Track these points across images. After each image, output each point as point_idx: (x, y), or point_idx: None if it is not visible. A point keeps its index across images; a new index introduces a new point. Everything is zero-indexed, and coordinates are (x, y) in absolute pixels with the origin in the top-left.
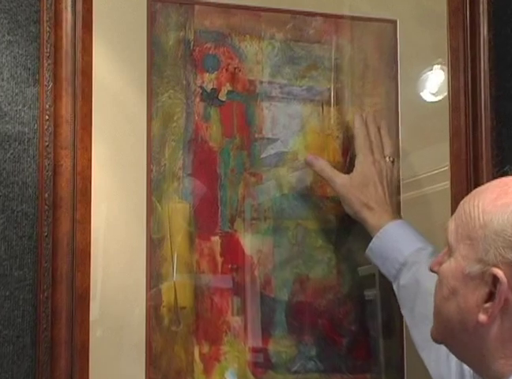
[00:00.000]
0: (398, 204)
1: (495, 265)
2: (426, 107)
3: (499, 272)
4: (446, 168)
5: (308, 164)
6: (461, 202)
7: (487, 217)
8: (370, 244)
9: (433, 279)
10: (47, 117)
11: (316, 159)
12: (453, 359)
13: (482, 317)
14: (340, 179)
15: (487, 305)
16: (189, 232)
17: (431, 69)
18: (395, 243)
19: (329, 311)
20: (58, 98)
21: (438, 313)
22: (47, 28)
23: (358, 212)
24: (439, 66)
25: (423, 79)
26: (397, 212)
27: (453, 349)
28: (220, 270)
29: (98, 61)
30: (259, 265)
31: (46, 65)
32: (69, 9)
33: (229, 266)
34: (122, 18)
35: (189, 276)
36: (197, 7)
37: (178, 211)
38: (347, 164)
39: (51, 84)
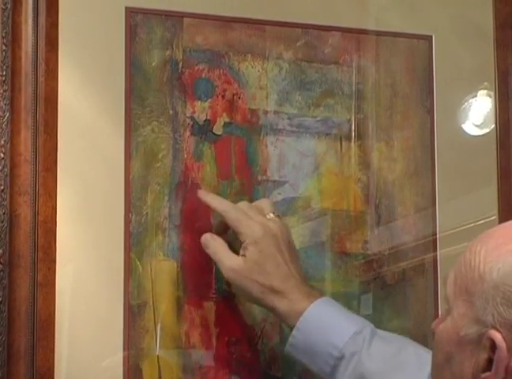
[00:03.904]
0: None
1: (494, 327)
2: (468, 143)
3: (497, 336)
4: (494, 218)
5: (202, 243)
6: (466, 248)
7: (487, 267)
8: (291, 338)
9: (381, 370)
10: (1, 155)
11: (213, 239)
12: None
13: None
14: (229, 261)
15: (486, 375)
16: (176, 297)
17: (475, 96)
18: (323, 334)
19: None
20: (16, 132)
21: None
22: (3, 47)
23: (261, 299)
24: (485, 92)
25: (464, 108)
26: (308, 285)
27: None
28: (214, 344)
29: (65, 86)
30: (263, 338)
31: (1, 91)
32: (30, 22)
33: (226, 339)
34: (95, 34)
35: (176, 352)
36: (186, 20)
37: (162, 271)
38: (372, 214)
39: (7, 115)
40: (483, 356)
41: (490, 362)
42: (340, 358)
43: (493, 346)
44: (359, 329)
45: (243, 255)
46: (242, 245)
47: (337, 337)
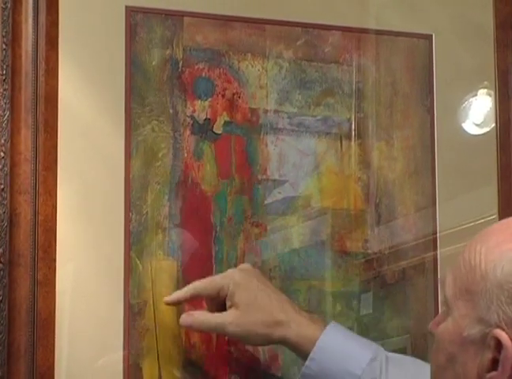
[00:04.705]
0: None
1: (498, 326)
2: (468, 142)
3: (503, 335)
4: (494, 217)
5: (185, 327)
6: (463, 248)
7: (490, 265)
8: (305, 369)
9: None
10: (1, 154)
11: (189, 315)
12: None
13: None
14: (221, 319)
15: (491, 374)
16: None
17: (475, 95)
18: (339, 363)
19: None
20: (16, 131)
21: None
22: (3, 45)
23: (270, 335)
24: (485, 92)
25: (464, 107)
26: (306, 313)
27: None
28: (214, 343)
29: (65, 85)
30: None
31: (1, 90)
32: (30, 21)
33: (226, 338)
34: (95, 33)
35: (176, 352)
36: (186, 19)
37: (163, 270)
38: (372, 213)
39: (8, 114)
40: (488, 356)
41: (495, 362)
42: None
43: (498, 345)
44: (374, 355)
45: (231, 305)
46: (227, 297)
47: (354, 365)
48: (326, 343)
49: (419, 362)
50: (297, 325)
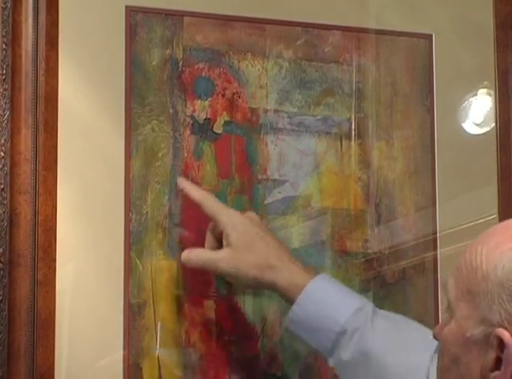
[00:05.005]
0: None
1: (501, 325)
2: (468, 142)
3: (505, 334)
4: (494, 216)
5: (184, 261)
6: (464, 250)
7: (491, 266)
8: (290, 314)
9: (385, 347)
10: (2, 154)
11: (190, 251)
12: None
13: None
14: (214, 256)
15: (495, 374)
16: (176, 296)
17: (475, 95)
18: (324, 309)
19: None
20: (16, 130)
21: None
22: (3, 45)
23: (258, 277)
24: (485, 91)
25: (464, 107)
26: (302, 265)
27: None
28: (214, 343)
29: (65, 85)
30: (263, 336)
31: (1, 90)
32: (30, 21)
33: (226, 338)
34: (95, 33)
35: (176, 351)
36: (186, 19)
37: (163, 269)
38: (372, 213)
39: (8, 114)
40: (491, 355)
41: (498, 361)
42: (342, 333)
43: (501, 344)
44: (360, 305)
45: (227, 244)
46: (223, 235)
47: (339, 313)
48: (313, 291)
49: (407, 319)
50: (289, 272)
